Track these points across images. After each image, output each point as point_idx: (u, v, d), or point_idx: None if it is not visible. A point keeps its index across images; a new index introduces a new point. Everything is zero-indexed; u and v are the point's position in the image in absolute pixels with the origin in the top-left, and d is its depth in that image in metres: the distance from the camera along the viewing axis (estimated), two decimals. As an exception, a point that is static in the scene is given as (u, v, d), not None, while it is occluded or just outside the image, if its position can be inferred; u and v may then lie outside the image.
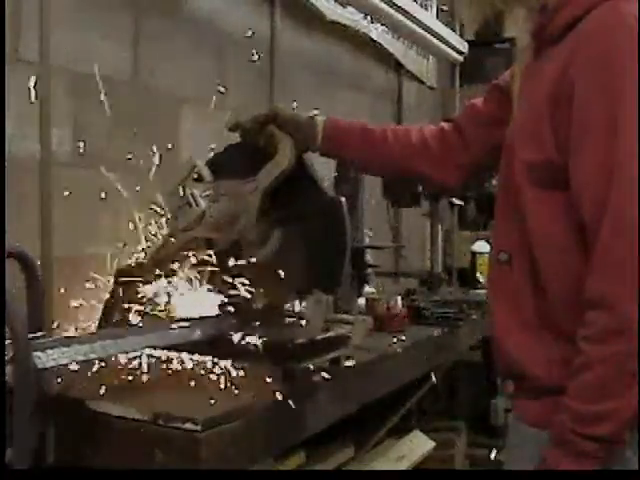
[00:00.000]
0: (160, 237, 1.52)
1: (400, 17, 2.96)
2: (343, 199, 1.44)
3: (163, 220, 1.52)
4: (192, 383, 1.27)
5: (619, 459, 1.07)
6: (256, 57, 2.20)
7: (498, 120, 1.31)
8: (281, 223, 1.43)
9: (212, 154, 1.56)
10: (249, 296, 1.39)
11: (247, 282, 1.39)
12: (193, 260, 1.43)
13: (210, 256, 1.43)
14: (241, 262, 1.39)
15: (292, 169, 1.43)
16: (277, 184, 1.42)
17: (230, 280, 1.41)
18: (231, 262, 1.40)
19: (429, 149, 1.46)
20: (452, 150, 1.45)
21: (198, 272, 1.46)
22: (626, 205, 1.03)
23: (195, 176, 1.47)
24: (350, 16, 2.86)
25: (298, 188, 1.44)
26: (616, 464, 1.07)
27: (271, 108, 1.48)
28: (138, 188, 1.62)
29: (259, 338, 1.35)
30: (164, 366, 1.35)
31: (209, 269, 1.44)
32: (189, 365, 1.36)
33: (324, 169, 1.55)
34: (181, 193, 1.44)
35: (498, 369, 1.29)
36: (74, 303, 1.52)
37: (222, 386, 1.25)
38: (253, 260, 1.39)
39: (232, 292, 1.43)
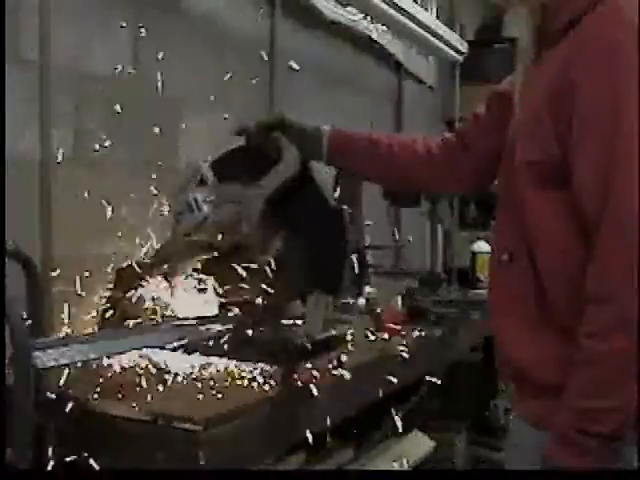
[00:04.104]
0: (161, 238, 1.52)
1: (400, 17, 2.96)
2: (345, 207, 1.45)
3: (164, 221, 1.52)
4: (192, 383, 1.27)
5: (619, 457, 1.07)
6: (256, 57, 2.20)
7: (500, 127, 1.31)
8: (283, 229, 1.44)
9: (216, 156, 1.56)
10: (250, 297, 1.40)
11: (248, 284, 1.39)
12: (194, 262, 1.44)
13: (211, 258, 1.43)
14: (242, 265, 1.40)
15: (296, 176, 1.43)
16: (280, 191, 1.43)
17: (231, 282, 1.41)
18: (232, 265, 1.40)
19: (434, 159, 1.47)
20: (457, 159, 1.45)
21: (199, 274, 1.46)
22: (627, 201, 1.03)
23: (198, 179, 1.48)
24: (350, 16, 2.86)
25: (301, 195, 1.45)
26: (616, 462, 1.07)
27: (277, 115, 1.49)
28: (138, 188, 1.62)
29: (259, 338, 1.35)
30: (164, 366, 1.35)
31: (210, 271, 1.44)
32: (189, 365, 1.36)
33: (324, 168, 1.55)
34: (183, 196, 1.44)
35: (500, 369, 1.29)
36: (74, 303, 1.52)
37: (222, 386, 1.25)
38: (254, 264, 1.40)
39: (233, 293, 1.43)
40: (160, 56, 1.93)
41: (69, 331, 1.48)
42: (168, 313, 1.45)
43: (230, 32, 2.25)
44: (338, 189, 1.68)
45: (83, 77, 1.74)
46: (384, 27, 3.09)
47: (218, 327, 1.39)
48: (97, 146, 1.71)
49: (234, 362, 1.37)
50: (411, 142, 1.49)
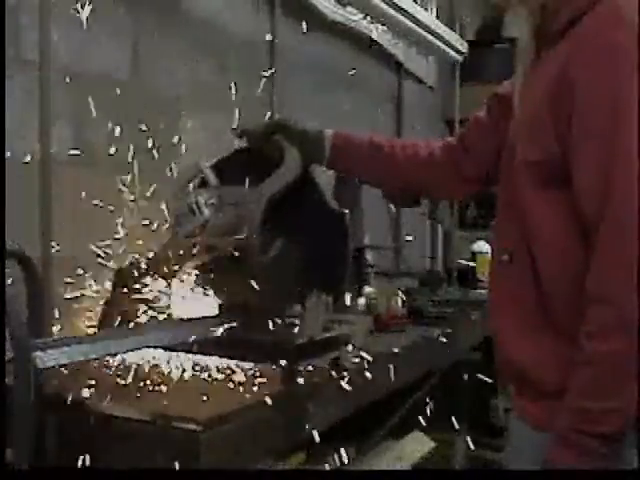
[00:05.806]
0: (161, 239, 1.52)
1: (400, 17, 2.96)
2: (347, 211, 1.45)
3: (164, 222, 1.52)
4: (192, 383, 1.27)
5: (619, 457, 1.07)
6: (256, 57, 2.20)
7: (501, 128, 1.31)
8: (284, 232, 1.43)
9: (217, 158, 1.56)
10: (250, 298, 1.40)
11: (248, 285, 1.39)
12: (194, 263, 1.43)
13: (212, 260, 1.43)
14: (242, 267, 1.40)
15: (297, 179, 1.43)
16: (281, 194, 1.43)
17: (231, 283, 1.41)
18: (232, 266, 1.40)
19: (436, 162, 1.47)
20: (459, 163, 1.45)
21: (198, 274, 1.46)
22: (627, 201, 1.03)
23: (199, 181, 1.48)
24: (350, 16, 2.86)
25: (302, 198, 1.45)
26: (616, 463, 1.07)
27: (279, 117, 1.49)
28: (138, 188, 1.62)
29: (259, 339, 1.35)
30: (164, 366, 1.35)
31: (210, 272, 1.44)
32: (189, 365, 1.36)
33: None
34: (185, 198, 1.44)
35: (499, 370, 1.29)
36: (74, 303, 1.52)
37: (222, 386, 1.25)
38: (254, 265, 1.40)
39: (232, 294, 1.43)
40: (160, 56, 1.93)
41: (69, 331, 1.48)
42: (168, 313, 1.45)
43: (230, 32, 2.25)
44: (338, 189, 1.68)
45: (83, 77, 1.74)
46: (384, 27, 3.09)
47: (218, 327, 1.39)
48: (97, 146, 1.71)
49: (234, 362, 1.37)
50: (412, 145, 1.49)
